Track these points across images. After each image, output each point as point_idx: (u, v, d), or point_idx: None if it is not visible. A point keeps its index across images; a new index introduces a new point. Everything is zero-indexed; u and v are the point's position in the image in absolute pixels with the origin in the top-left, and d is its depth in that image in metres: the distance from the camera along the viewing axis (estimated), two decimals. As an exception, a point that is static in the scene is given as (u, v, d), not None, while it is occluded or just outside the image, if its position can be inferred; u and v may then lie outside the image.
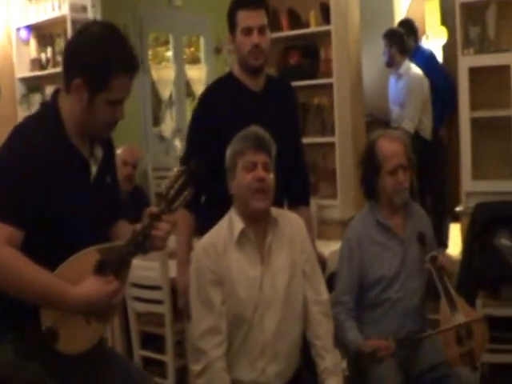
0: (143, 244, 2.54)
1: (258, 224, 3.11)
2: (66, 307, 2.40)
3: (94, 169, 2.64)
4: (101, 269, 2.47)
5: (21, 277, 2.33)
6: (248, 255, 3.08)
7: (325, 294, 3.23)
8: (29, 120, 2.60)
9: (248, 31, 3.51)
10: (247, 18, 3.51)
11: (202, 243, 3.14)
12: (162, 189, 2.55)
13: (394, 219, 3.54)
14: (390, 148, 3.47)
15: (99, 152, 2.68)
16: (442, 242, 6.99)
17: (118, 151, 5.12)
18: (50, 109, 2.59)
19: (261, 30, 3.53)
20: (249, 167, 3.03)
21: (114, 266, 2.50)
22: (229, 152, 3.11)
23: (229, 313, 3.02)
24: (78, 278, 2.42)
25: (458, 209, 5.25)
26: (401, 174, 3.44)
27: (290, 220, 3.25)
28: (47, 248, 2.44)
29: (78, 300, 2.39)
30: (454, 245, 6.73)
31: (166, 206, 2.53)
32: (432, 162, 6.83)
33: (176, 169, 2.59)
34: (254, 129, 3.10)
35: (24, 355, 2.36)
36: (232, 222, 3.11)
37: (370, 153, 3.50)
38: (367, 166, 3.54)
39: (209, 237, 3.15)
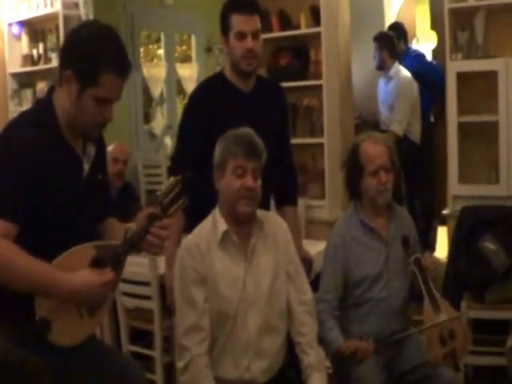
0: (138, 245, 2.61)
1: (242, 225, 3.15)
2: (60, 293, 2.44)
3: (86, 166, 2.68)
4: (96, 265, 2.53)
5: (15, 266, 2.37)
6: (231, 255, 3.12)
7: (308, 294, 3.27)
8: (23, 116, 2.64)
9: (242, 36, 3.54)
10: (242, 22, 3.54)
11: (185, 243, 3.18)
12: (158, 195, 2.61)
13: (377, 220, 3.59)
14: (373, 150, 3.52)
15: (92, 149, 2.72)
16: (430, 245, 7.05)
17: (109, 148, 5.14)
18: (44, 105, 2.63)
19: (254, 35, 3.57)
20: (238, 173, 3.05)
21: (109, 264, 2.55)
22: (220, 149, 3.12)
23: (212, 310, 3.06)
24: (73, 271, 2.46)
25: (444, 212, 5.29)
26: (383, 174, 3.49)
27: (274, 222, 3.30)
28: (39, 243, 2.48)
29: (71, 286, 2.43)
30: (441, 248, 6.77)
31: (162, 212, 2.60)
32: (420, 164, 6.90)
33: (172, 178, 2.64)
34: (248, 133, 3.12)
35: (16, 343, 2.39)
36: (215, 223, 3.15)
37: (354, 155, 3.56)
38: (351, 168, 3.59)
39: (192, 236, 3.19)
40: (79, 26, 2.68)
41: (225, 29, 3.60)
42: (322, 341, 3.36)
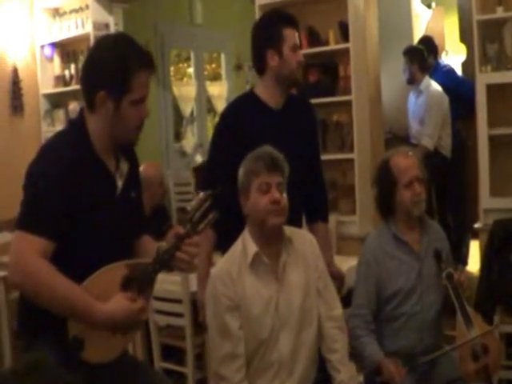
0: (168, 263, 2.62)
1: (272, 245, 3.14)
2: (93, 322, 2.47)
3: (119, 183, 2.71)
4: (127, 284, 2.55)
5: (51, 289, 2.40)
6: (262, 276, 3.11)
7: (338, 309, 3.25)
8: (58, 136, 2.68)
9: (295, 48, 3.65)
10: (294, 36, 3.66)
11: (216, 270, 3.16)
12: (188, 211, 2.62)
13: (410, 234, 3.58)
14: (405, 162, 3.53)
15: (125, 167, 2.75)
16: (462, 259, 6.99)
17: (142, 168, 5.21)
18: (77, 125, 2.66)
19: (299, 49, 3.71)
20: (263, 189, 3.05)
21: (140, 282, 2.57)
22: (242, 171, 3.13)
23: (246, 335, 3.05)
24: (106, 291, 2.49)
25: (476, 225, 5.26)
26: (417, 185, 3.48)
27: (303, 238, 3.28)
28: (74, 260, 2.51)
29: (104, 317, 2.46)
30: (474, 261, 6.72)
31: (192, 227, 2.60)
32: (451, 178, 6.86)
33: (202, 193, 2.64)
34: (268, 149, 3.12)
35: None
36: (246, 245, 3.14)
37: (385, 170, 3.56)
38: (383, 183, 3.58)
39: (223, 263, 3.18)
40: (92, 49, 2.71)
41: (276, 41, 3.63)
42: (358, 356, 3.36)
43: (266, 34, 3.67)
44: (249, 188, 3.09)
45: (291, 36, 3.63)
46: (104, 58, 2.58)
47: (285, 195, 3.10)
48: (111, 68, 2.54)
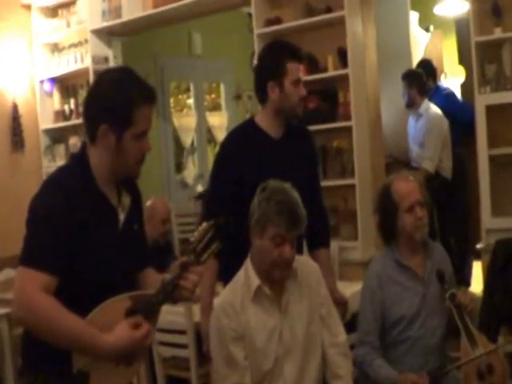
0: (172, 294, 2.60)
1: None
2: (97, 355, 2.45)
3: (122, 216, 2.71)
4: (131, 316, 2.53)
5: (55, 324, 2.39)
6: (265, 307, 3.10)
7: (342, 335, 3.24)
8: (59, 171, 2.68)
9: (297, 83, 3.63)
10: (297, 70, 3.65)
11: (219, 302, 3.16)
12: (191, 241, 2.61)
13: (413, 259, 3.57)
14: (406, 186, 3.53)
15: (127, 200, 2.75)
16: (465, 280, 6.97)
17: (149, 203, 5.25)
18: (79, 160, 2.67)
19: (302, 82, 3.70)
20: (277, 241, 3.01)
21: (144, 314, 2.55)
22: (261, 210, 3.05)
23: (250, 366, 3.04)
24: (110, 324, 2.47)
25: (478, 246, 5.24)
26: (418, 210, 3.48)
27: (305, 265, 3.28)
28: (77, 294, 2.50)
29: (108, 348, 2.44)
30: (477, 282, 6.70)
31: (195, 258, 2.59)
32: (453, 200, 6.84)
33: (205, 223, 2.64)
34: (292, 201, 3.04)
35: None
36: (248, 277, 3.13)
37: (386, 195, 3.55)
38: (384, 209, 3.58)
39: (226, 294, 3.18)
40: (94, 82, 2.71)
41: (277, 74, 3.63)
42: (373, 380, 3.37)
43: (269, 65, 3.67)
44: (263, 229, 3.04)
45: (294, 70, 3.63)
46: (107, 91, 2.58)
47: (294, 248, 3.08)
48: (114, 102, 2.54)
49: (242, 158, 3.63)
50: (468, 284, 7.04)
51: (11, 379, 5.04)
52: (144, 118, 2.59)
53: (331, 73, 6.08)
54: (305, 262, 3.32)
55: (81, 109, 7.23)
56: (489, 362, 3.26)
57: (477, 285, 6.60)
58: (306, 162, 3.84)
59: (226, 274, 3.43)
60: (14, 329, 4.90)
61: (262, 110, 3.77)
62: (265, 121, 3.73)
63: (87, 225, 2.53)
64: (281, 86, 3.62)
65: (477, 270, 6.75)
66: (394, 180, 3.58)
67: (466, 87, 7.90)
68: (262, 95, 3.71)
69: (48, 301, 2.40)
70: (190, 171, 10.03)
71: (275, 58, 3.67)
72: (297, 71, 3.64)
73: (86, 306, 2.46)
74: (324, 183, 4.13)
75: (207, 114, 10.48)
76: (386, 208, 3.56)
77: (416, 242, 3.55)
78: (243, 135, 3.78)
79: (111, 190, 2.69)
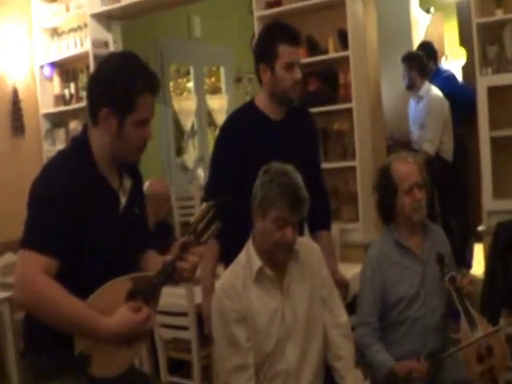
0: (172, 275, 2.61)
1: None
2: (98, 338, 2.47)
3: (123, 200, 2.72)
4: (132, 298, 2.55)
5: (56, 307, 2.40)
6: (267, 288, 3.11)
7: (343, 317, 3.25)
8: (60, 154, 2.69)
9: (291, 66, 3.57)
10: (291, 53, 3.57)
11: (221, 284, 3.17)
12: (191, 222, 2.62)
13: (412, 239, 3.58)
14: (405, 168, 3.53)
15: (128, 183, 2.76)
16: (466, 263, 6.98)
17: (148, 184, 5.25)
18: (80, 143, 2.67)
19: (299, 65, 3.62)
20: (279, 224, 3.01)
21: (145, 295, 2.57)
22: (263, 192, 3.03)
23: (252, 347, 3.05)
24: (111, 306, 2.49)
25: (479, 228, 5.24)
26: (417, 191, 3.49)
27: (307, 247, 3.28)
28: (78, 276, 2.51)
29: (109, 332, 2.45)
30: (478, 265, 6.70)
31: (195, 238, 2.60)
32: (453, 182, 6.84)
33: (205, 203, 2.64)
34: (294, 183, 3.02)
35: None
36: (249, 258, 3.13)
37: (386, 176, 3.56)
38: (383, 190, 3.59)
39: (228, 276, 3.19)
40: (99, 64, 2.71)
41: (268, 57, 3.59)
42: (369, 364, 3.34)
43: (262, 48, 3.65)
44: (265, 212, 3.03)
45: (287, 53, 3.57)
46: (110, 75, 2.58)
47: (296, 231, 3.08)
48: (117, 87, 2.54)
49: (241, 140, 3.62)
50: (469, 266, 7.05)
51: (13, 362, 5.06)
52: (146, 105, 2.60)
53: (332, 55, 6.06)
54: (306, 243, 3.33)
55: (81, 93, 7.27)
56: (488, 345, 3.27)
57: (478, 267, 6.61)
58: (306, 143, 3.82)
59: (227, 256, 3.43)
60: (15, 312, 4.91)
61: (260, 92, 3.76)
62: (263, 102, 3.71)
63: (88, 208, 2.53)
64: (272, 69, 3.59)
65: (478, 252, 6.73)
66: (394, 161, 3.59)
67: (467, 69, 7.86)
68: (258, 77, 3.70)
69: (49, 284, 2.41)
70: (191, 154, 10.03)
71: (267, 40, 3.64)
72: (290, 55, 3.57)
73: (87, 288, 2.47)
74: (325, 165, 4.13)
75: (207, 97, 10.46)
76: (385, 189, 3.57)
77: (414, 223, 3.56)
78: (243, 117, 3.77)
79: (113, 174, 2.70)
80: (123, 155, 2.65)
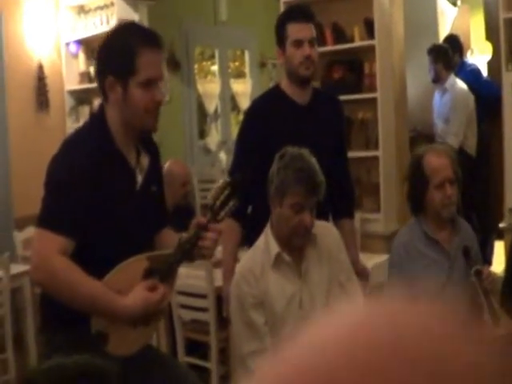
0: (190, 253, 2.62)
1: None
2: (115, 317, 2.49)
3: (139, 178, 2.70)
4: (149, 276, 2.56)
5: (72, 286, 2.41)
6: (285, 274, 3.11)
7: (360, 300, 3.24)
8: (77, 132, 2.70)
9: (299, 43, 3.56)
10: (298, 30, 3.57)
11: (239, 269, 3.18)
12: (208, 199, 2.63)
13: (441, 233, 3.52)
14: (438, 162, 3.45)
15: (145, 161, 2.74)
16: (487, 259, 6.94)
17: (167, 165, 5.24)
18: (97, 119, 2.68)
19: (310, 42, 3.58)
20: (296, 209, 3.02)
21: (162, 274, 2.57)
22: (279, 178, 3.03)
23: (270, 331, 3.06)
24: (128, 285, 2.50)
25: (501, 225, 5.21)
26: (448, 187, 3.43)
27: (326, 231, 3.27)
28: (95, 255, 2.52)
29: (125, 311, 2.47)
30: (498, 262, 6.67)
31: (212, 216, 2.60)
32: (477, 177, 6.81)
33: (221, 180, 2.65)
34: (310, 167, 3.01)
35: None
36: (268, 244, 3.14)
37: (417, 167, 3.48)
38: (414, 181, 3.52)
39: (246, 261, 3.20)
40: (102, 41, 2.71)
41: (281, 39, 3.62)
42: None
43: (276, 32, 3.67)
44: (282, 198, 3.04)
45: (294, 31, 3.58)
46: (109, 43, 2.60)
47: (314, 215, 3.08)
48: (115, 51, 2.55)
49: (267, 124, 3.62)
50: (490, 263, 7.01)
51: (32, 336, 5.10)
52: (148, 64, 2.55)
53: (357, 43, 6.05)
54: (324, 227, 3.32)
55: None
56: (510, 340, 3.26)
57: (498, 265, 6.58)
58: (332, 129, 3.81)
59: (251, 238, 3.43)
60: (35, 286, 4.94)
61: (286, 77, 3.76)
62: (289, 87, 3.71)
63: (104, 186, 2.54)
64: (284, 49, 3.60)
65: (499, 249, 6.72)
66: (427, 152, 3.50)
67: (492, 64, 7.82)
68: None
69: (65, 263, 2.42)
70: (213, 137, 10.03)
71: (278, 23, 3.67)
72: (298, 31, 3.57)
73: (104, 267, 2.48)
74: (348, 154, 4.11)
75: (231, 80, 10.45)
76: (416, 180, 3.50)
77: (443, 218, 3.51)
78: (268, 101, 3.78)
79: (130, 151, 2.68)
80: (134, 122, 2.61)
